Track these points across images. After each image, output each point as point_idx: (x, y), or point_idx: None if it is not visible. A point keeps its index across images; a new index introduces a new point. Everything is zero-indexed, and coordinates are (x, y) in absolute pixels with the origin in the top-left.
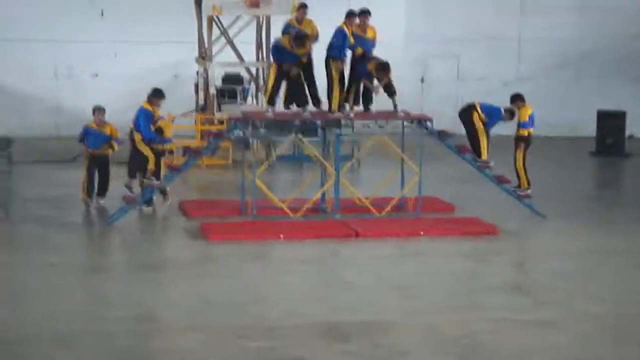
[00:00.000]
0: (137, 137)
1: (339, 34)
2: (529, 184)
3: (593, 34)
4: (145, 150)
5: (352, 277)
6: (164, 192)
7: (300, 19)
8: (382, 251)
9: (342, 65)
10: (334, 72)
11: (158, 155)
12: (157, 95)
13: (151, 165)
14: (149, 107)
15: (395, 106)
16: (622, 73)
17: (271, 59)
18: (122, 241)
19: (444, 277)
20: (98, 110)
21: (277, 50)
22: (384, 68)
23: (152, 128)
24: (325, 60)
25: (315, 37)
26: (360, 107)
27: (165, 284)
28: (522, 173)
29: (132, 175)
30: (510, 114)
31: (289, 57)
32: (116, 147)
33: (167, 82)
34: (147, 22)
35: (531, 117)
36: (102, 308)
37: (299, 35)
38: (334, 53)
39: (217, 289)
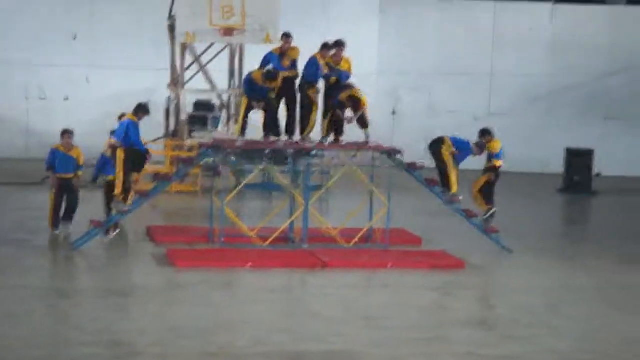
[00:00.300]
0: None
1: (311, 63)
2: (487, 204)
3: (565, 71)
4: (119, 166)
5: (319, 307)
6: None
7: (286, 49)
8: (349, 282)
9: (316, 91)
10: (310, 98)
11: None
12: (143, 110)
13: (118, 190)
14: (135, 119)
15: (367, 137)
16: (592, 111)
17: (243, 91)
18: (90, 266)
19: (410, 309)
20: (67, 133)
21: (249, 84)
22: (356, 103)
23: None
24: (300, 86)
25: (292, 64)
26: (331, 139)
27: (132, 310)
28: (478, 198)
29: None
30: (480, 148)
31: (259, 91)
32: (80, 174)
33: None
34: (120, 48)
35: (500, 151)
36: (71, 333)
37: (270, 73)
38: (309, 79)
39: (184, 316)
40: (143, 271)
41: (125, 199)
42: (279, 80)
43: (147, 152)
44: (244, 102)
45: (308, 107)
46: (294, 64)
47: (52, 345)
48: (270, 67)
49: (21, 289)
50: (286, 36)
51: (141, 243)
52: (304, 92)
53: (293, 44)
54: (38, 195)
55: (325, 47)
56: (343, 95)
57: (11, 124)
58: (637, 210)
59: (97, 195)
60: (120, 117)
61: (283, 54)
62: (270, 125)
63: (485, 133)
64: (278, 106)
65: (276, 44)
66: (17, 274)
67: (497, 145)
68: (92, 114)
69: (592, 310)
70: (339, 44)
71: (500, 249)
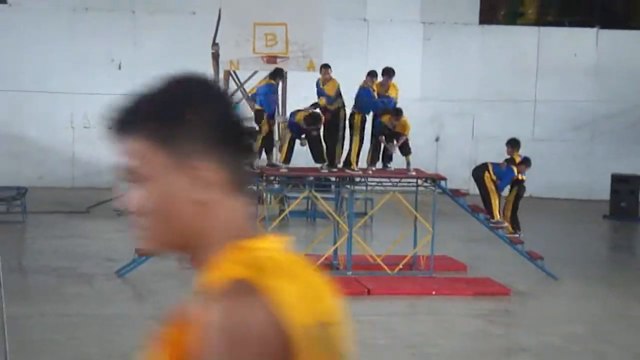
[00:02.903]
0: None
1: (364, 92)
2: (515, 228)
3: (608, 97)
4: None
5: (364, 335)
6: None
7: (325, 80)
8: (393, 309)
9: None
10: (356, 127)
11: None
12: None
13: None
14: None
15: (408, 164)
16: (636, 137)
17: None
18: (134, 294)
19: (455, 336)
20: None
21: (294, 127)
22: (397, 113)
23: None
24: (350, 115)
25: (336, 96)
26: (379, 165)
27: None
28: (509, 224)
29: None
30: (526, 163)
31: (304, 131)
32: None
33: None
34: (163, 75)
35: None
36: None
37: (313, 116)
38: (360, 109)
39: None
40: (188, 299)
41: None
42: (322, 121)
43: None
44: (288, 135)
45: (355, 137)
46: (338, 95)
47: None
48: (312, 109)
49: (63, 317)
50: (324, 67)
51: (186, 271)
52: (353, 121)
53: (332, 75)
54: (83, 223)
55: (371, 74)
56: (385, 118)
57: (56, 153)
58: None
59: None
60: None
61: (323, 85)
62: (316, 152)
63: (514, 144)
64: (321, 140)
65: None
66: (59, 301)
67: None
68: None
69: None
70: (387, 72)
71: (545, 275)
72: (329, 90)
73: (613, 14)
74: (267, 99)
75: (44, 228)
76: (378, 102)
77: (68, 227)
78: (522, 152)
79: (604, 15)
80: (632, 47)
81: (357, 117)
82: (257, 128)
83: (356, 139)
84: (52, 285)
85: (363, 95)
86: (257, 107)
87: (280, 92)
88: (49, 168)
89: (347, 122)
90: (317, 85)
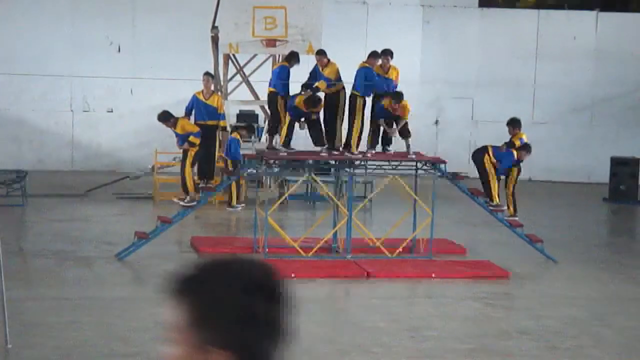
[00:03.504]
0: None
1: (365, 71)
2: (515, 210)
3: (608, 80)
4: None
5: (364, 318)
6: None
7: (322, 65)
8: (393, 292)
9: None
10: (357, 110)
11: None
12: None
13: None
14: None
15: (408, 147)
16: (636, 120)
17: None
18: (134, 277)
19: (454, 319)
20: None
21: (293, 111)
22: (398, 97)
23: None
24: (350, 97)
25: (336, 79)
26: (378, 148)
27: None
28: (512, 201)
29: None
30: (526, 150)
31: (303, 114)
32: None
33: None
34: (163, 59)
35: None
36: (115, 344)
37: (313, 100)
38: (361, 91)
39: None
40: None
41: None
42: (322, 105)
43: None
44: (287, 119)
45: (356, 120)
46: (338, 78)
47: (95, 357)
48: (311, 92)
49: (63, 300)
50: (319, 53)
51: (185, 254)
52: (353, 103)
53: (329, 59)
54: (83, 206)
55: (374, 55)
56: (386, 102)
57: (56, 137)
58: None
59: (142, 207)
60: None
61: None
62: (316, 135)
63: (515, 123)
64: (320, 123)
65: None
66: (59, 285)
67: (523, 135)
68: (135, 126)
69: (638, 321)
70: (386, 52)
71: (545, 258)
72: (329, 74)
73: None
74: (280, 81)
75: (43, 211)
76: (380, 83)
77: (67, 210)
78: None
79: None
80: (632, 29)
81: (359, 101)
82: (269, 110)
83: (357, 121)
84: (51, 269)
85: (364, 75)
86: (270, 89)
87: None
88: (48, 151)
89: (347, 104)
90: (317, 70)
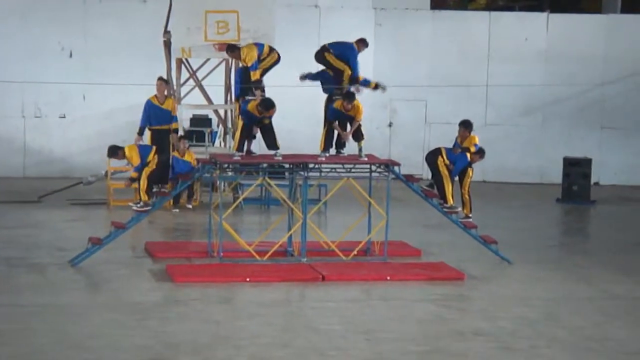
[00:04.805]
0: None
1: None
2: (470, 210)
3: (559, 81)
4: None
5: (319, 321)
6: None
7: (238, 57)
8: (348, 295)
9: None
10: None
11: None
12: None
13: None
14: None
15: (360, 150)
16: (588, 120)
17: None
18: (88, 283)
19: (410, 321)
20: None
21: (246, 116)
22: (350, 97)
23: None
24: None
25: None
26: (332, 151)
27: (132, 327)
28: (468, 201)
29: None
30: (480, 155)
31: (256, 119)
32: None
33: (135, 123)
34: (116, 64)
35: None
36: (70, 351)
37: (265, 103)
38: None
39: (183, 331)
40: (142, 287)
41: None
42: (274, 108)
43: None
44: (240, 124)
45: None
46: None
47: None
48: (261, 96)
49: (16, 307)
50: (230, 50)
51: (139, 259)
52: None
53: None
54: (35, 213)
55: (363, 41)
56: (337, 104)
57: (7, 143)
58: (635, 219)
59: (96, 212)
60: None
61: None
62: (269, 138)
63: (467, 125)
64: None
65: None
66: (12, 292)
67: (476, 139)
68: (88, 131)
69: (591, 321)
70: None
71: (499, 260)
72: (251, 59)
73: None
74: (236, 84)
75: None
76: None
77: (19, 216)
78: (476, 134)
79: None
80: (582, 31)
81: (328, 55)
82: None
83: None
84: (4, 276)
85: (347, 51)
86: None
87: (233, 80)
88: None
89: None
90: (239, 72)
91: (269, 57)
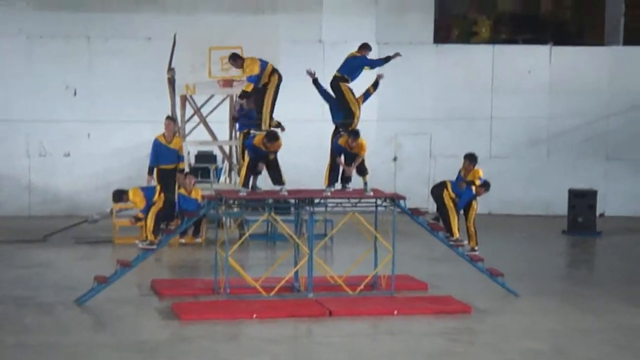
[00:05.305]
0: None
1: (357, 60)
2: (476, 242)
3: (563, 112)
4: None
5: (326, 356)
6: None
7: (238, 67)
8: (356, 330)
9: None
10: (344, 90)
11: None
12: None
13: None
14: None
15: (365, 185)
16: (593, 152)
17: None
18: (94, 322)
19: (418, 356)
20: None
21: (252, 150)
22: (355, 135)
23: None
24: (332, 82)
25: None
26: (338, 186)
27: None
28: (474, 234)
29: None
30: (485, 188)
31: (260, 153)
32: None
33: (140, 160)
34: (120, 102)
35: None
36: None
37: (270, 135)
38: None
39: None
40: (148, 325)
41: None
42: (280, 140)
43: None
44: (246, 160)
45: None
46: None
47: None
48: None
49: (24, 347)
50: (232, 59)
51: (146, 297)
52: (337, 86)
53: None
54: (41, 252)
55: (365, 46)
56: (342, 140)
57: (12, 181)
58: None
59: (102, 251)
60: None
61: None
62: (274, 173)
63: (472, 158)
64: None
65: None
66: (20, 331)
67: (481, 173)
68: (93, 169)
69: (600, 353)
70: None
71: (506, 292)
72: (250, 71)
73: (565, 31)
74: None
75: (1, 258)
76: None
77: (26, 256)
78: (480, 169)
79: (556, 32)
80: (585, 63)
81: (342, 84)
82: None
83: (349, 96)
84: (11, 315)
85: (355, 62)
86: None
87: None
88: (5, 196)
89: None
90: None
91: (270, 81)
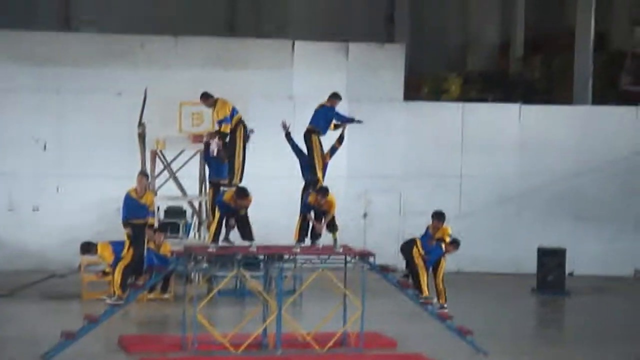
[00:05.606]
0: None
1: (326, 110)
2: (445, 300)
3: (533, 170)
4: None
5: None
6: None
7: (209, 105)
8: None
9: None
10: (314, 146)
11: None
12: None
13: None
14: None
15: (335, 241)
16: (562, 210)
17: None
18: None
19: None
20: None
21: (223, 207)
22: (324, 192)
23: None
24: (306, 134)
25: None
26: (307, 242)
27: None
28: (443, 291)
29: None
30: (455, 246)
31: (231, 210)
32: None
33: (110, 215)
34: (90, 156)
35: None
36: None
37: (241, 191)
38: (320, 128)
39: None
40: None
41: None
42: (250, 197)
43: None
44: (216, 215)
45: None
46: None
47: None
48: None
49: None
50: (203, 97)
51: (114, 353)
52: (309, 140)
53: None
54: (7, 307)
55: (335, 96)
56: (311, 198)
57: None
58: (610, 309)
59: (69, 306)
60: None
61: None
62: (244, 229)
63: (440, 216)
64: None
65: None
66: None
67: (449, 230)
68: (62, 224)
69: None
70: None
71: (475, 350)
72: (224, 113)
73: (534, 90)
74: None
75: None
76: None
77: None
78: (450, 226)
79: (525, 91)
80: (555, 121)
81: (314, 137)
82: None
83: (317, 158)
84: None
85: (326, 113)
86: None
87: (206, 171)
88: None
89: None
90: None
91: (237, 131)
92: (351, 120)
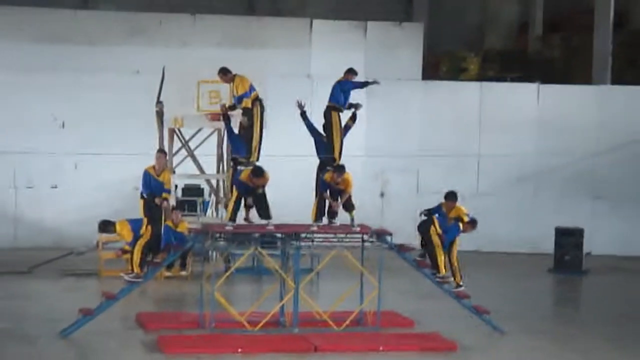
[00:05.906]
0: None
1: (342, 84)
2: (461, 277)
3: (550, 150)
4: None
5: None
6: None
7: (228, 82)
8: None
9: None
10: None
11: None
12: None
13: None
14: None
15: (352, 220)
16: (580, 190)
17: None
18: (79, 355)
19: None
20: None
21: (240, 186)
22: (340, 170)
23: None
24: (326, 111)
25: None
26: (324, 221)
27: None
28: (458, 270)
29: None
30: (473, 225)
31: (248, 188)
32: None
33: (127, 194)
34: (108, 134)
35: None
36: None
37: (256, 170)
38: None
39: None
40: (133, 359)
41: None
42: (267, 175)
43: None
44: (234, 194)
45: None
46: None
47: None
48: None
49: None
50: (221, 72)
51: (131, 330)
52: (330, 119)
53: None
54: (26, 284)
55: (350, 71)
56: (327, 176)
57: None
58: (627, 289)
59: (87, 283)
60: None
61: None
62: (261, 208)
63: (451, 196)
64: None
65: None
66: None
67: (464, 209)
68: (80, 202)
69: None
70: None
71: (492, 330)
72: (243, 89)
73: (553, 69)
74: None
75: None
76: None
77: (10, 287)
78: (467, 205)
79: (544, 70)
80: (573, 101)
81: (333, 115)
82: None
83: (336, 137)
84: None
85: (341, 86)
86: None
87: (225, 150)
88: None
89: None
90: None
91: (254, 110)
92: (367, 84)
